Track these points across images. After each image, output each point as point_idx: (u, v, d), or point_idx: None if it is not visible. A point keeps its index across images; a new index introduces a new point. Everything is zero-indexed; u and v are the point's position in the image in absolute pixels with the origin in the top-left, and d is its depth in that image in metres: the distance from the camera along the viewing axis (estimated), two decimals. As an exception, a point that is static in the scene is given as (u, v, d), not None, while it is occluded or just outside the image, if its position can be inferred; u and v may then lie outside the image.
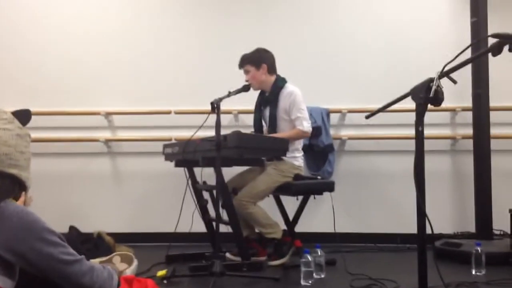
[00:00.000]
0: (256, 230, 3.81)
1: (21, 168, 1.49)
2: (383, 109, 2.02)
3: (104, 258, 3.06)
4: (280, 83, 3.85)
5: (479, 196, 4.11)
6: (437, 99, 1.69)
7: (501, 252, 3.63)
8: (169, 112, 4.62)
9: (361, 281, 3.06)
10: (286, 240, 3.74)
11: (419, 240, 1.87)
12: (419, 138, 1.77)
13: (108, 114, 4.71)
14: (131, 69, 4.78)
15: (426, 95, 1.70)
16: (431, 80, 1.72)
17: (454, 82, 1.71)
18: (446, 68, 1.73)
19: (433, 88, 1.67)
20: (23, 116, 1.56)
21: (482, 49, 1.77)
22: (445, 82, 1.80)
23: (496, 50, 1.58)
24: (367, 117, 2.13)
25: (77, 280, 1.49)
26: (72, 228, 3.91)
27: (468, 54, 1.94)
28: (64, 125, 4.68)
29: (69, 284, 1.50)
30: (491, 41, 1.73)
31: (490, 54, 1.69)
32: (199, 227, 3.85)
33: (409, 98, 1.84)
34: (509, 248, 3.62)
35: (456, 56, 1.72)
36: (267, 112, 3.87)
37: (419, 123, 1.78)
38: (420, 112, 1.76)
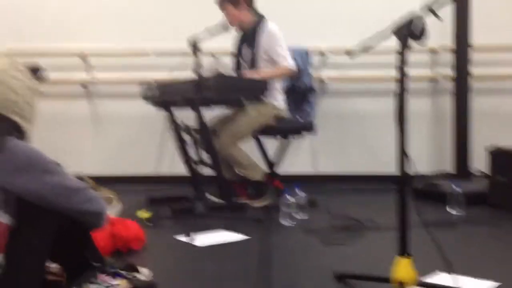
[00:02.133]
0: (237, 172, 3.82)
1: (24, 119, 1.56)
2: (365, 48, 1.98)
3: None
4: (258, 20, 3.75)
5: (457, 136, 4.15)
6: (421, 35, 1.65)
7: (478, 191, 3.70)
8: (147, 54, 4.51)
9: (342, 220, 3.11)
10: (266, 182, 3.76)
11: (399, 181, 1.88)
12: (403, 76, 1.74)
13: (83, 55, 4.59)
14: (109, 8, 4.62)
15: (409, 31, 1.66)
16: (414, 15, 1.68)
17: (439, 18, 1.67)
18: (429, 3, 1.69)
19: (416, 23, 1.63)
20: (35, 71, 1.65)
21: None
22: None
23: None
24: (350, 55, 2.09)
25: (84, 207, 1.55)
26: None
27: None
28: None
29: (78, 211, 1.55)
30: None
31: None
32: (180, 169, 3.84)
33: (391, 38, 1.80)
34: (487, 188, 3.69)
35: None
36: (247, 51, 3.79)
37: (402, 61, 1.74)
38: (402, 49, 1.73)
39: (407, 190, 1.87)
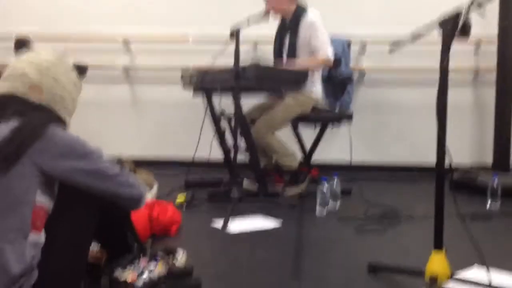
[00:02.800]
0: (273, 160, 3.84)
1: (68, 113, 1.63)
2: (408, 40, 1.97)
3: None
4: (301, 10, 3.74)
5: (499, 129, 4.09)
6: (466, 30, 1.64)
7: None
8: (187, 40, 4.57)
9: (376, 209, 3.11)
10: (302, 170, 3.78)
11: (437, 170, 1.88)
12: (444, 72, 1.73)
13: (125, 40, 4.67)
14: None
15: (454, 27, 1.65)
16: (459, 11, 1.66)
17: (483, 16, 1.65)
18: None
19: (462, 20, 1.62)
20: (81, 69, 1.72)
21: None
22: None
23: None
24: (391, 48, 2.09)
25: (120, 191, 1.59)
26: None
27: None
28: (81, 50, 4.66)
29: (119, 195, 1.60)
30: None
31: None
32: (217, 155, 3.90)
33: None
34: (526, 181, 3.62)
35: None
36: (287, 40, 3.79)
37: (445, 56, 1.74)
38: (446, 45, 1.72)
39: (445, 182, 1.87)
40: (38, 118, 1.47)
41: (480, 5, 1.61)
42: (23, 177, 1.40)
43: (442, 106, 1.81)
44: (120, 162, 3.82)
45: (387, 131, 4.64)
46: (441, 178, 1.84)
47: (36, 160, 1.41)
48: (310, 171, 3.83)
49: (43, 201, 1.45)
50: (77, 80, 1.67)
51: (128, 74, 4.75)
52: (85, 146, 1.52)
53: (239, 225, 2.79)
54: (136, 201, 1.65)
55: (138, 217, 2.28)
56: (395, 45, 2.00)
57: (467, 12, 1.63)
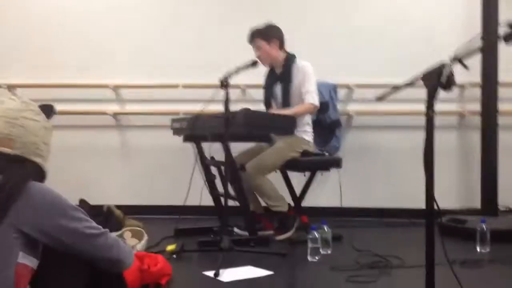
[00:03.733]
0: (263, 204, 3.84)
1: (43, 159, 1.57)
2: (393, 91, 2.02)
3: (115, 233, 3.11)
4: (291, 58, 3.83)
5: (485, 172, 4.13)
6: (449, 84, 1.69)
7: (506, 229, 3.66)
8: (177, 86, 4.63)
9: (367, 258, 3.10)
10: (291, 214, 3.78)
11: (426, 220, 1.89)
12: (430, 123, 1.77)
13: (116, 87, 4.72)
14: (140, 42, 4.77)
15: (438, 80, 1.70)
16: (442, 65, 1.71)
17: (466, 68, 1.70)
18: (458, 52, 1.72)
19: (446, 73, 1.67)
20: (48, 110, 1.65)
21: (494, 37, 1.75)
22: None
23: (509, 37, 1.57)
24: (377, 99, 2.13)
25: (103, 253, 1.55)
26: (82, 201, 3.96)
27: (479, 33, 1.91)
28: (72, 98, 4.69)
29: (97, 258, 1.55)
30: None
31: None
32: (208, 201, 3.89)
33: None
34: (514, 224, 3.65)
35: (468, 42, 1.71)
36: (278, 89, 3.85)
37: (430, 107, 1.78)
38: (431, 96, 1.76)
39: (434, 226, 1.88)
40: (16, 174, 1.44)
41: (461, 61, 1.66)
42: (5, 240, 1.37)
43: (429, 155, 1.84)
44: (109, 210, 3.82)
45: (376, 175, 4.67)
46: (431, 230, 1.85)
47: (16, 222, 1.39)
48: (300, 217, 3.82)
49: (27, 261, 1.42)
50: (46, 123, 1.61)
51: (118, 120, 4.76)
52: (66, 204, 1.48)
53: (231, 275, 2.76)
54: (115, 263, 1.60)
55: (129, 269, 2.25)
56: (380, 98, 2.04)
57: (450, 66, 1.68)
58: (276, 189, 3.76)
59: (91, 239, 1.51)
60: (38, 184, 1.47)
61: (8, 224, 1.38)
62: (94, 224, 1.54)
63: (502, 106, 4.15)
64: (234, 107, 3.37)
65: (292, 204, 3.94)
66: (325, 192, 4.44)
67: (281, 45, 3.83)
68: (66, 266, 1.54)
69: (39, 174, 1.55)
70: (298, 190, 3.99)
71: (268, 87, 3.95)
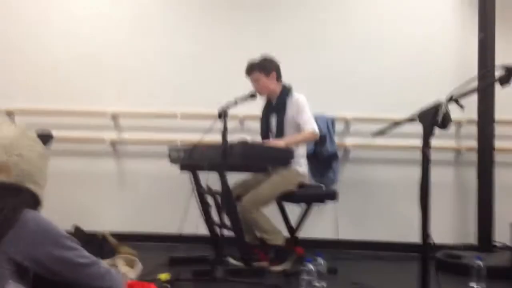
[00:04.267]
0: (258, 236, 3.84)
1: (39, 186, 1.58)
2: (390, 128, 2.05)
3: (108, 261, 3.10)
4: (287, 90, 3.88)
5: (481, 208, 4.14)
6: (445, 124, 1.71)
7: (502, 265, 3.65)
8: (175, 116, 4.66)
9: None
10: (287, 247, 3.77)
11: (422, 256, 1.90)
12: (425, 160, 1.79)
13: (114, 115, 4.74)
14: (139, 71, 4.80)
15: (434, 119, 1.73)
16: (438, 104, 1.74)
17: (462, 107, 1.73)
18: (454, 92, 1.76)
19: (442, 112, 1.70)
20: (45, 138, 1.67)
21: (489, 79, 1.79)
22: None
23: (505, 80, 1.60)
24: (373, 136, 2.16)
25: (95, 282, 1.54)
26: (77, 228, 3.95)
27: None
28: (70, 124, 4.71)
29: (88, 287, 1.54)
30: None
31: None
32: (203, 230, 3.88)
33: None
34: (510, 262, 3.64)
35: (465, 84, 1.75)
36: (273, 120, 3.89)
37: (426, 145, 1.80)
38: (426, 135, 1.79)
39: (429, 262, 1.88)
40: (11, 202, 1.44)
41: (456, 101, 1.69)
42: None
43: (424, 192, 1.86)
44: (103, 237, 3.81)
45: (372, 208, 4.66)
46: (426, 266, 1.85)
47: (8, 251, 1.39)
48: (295, 248, 3.81)
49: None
50: (42, 151, 1.62)
51: (115, 148, 4.77)
52: (59, 233, 1.48)
53: (224, 306, 2.74)
54: None
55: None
56: (377, 134, 2.07)
57: (446, 105, 1.71)
58: (272, 222, 3.76)
59: (83, 268, 1.51)
60: (32, 212, 1.47)
61: (1, 252, 1.38)
62: (86, 253, 1.54)
63: (498, 144, 4.18)
64: (232, 137, 3.39)
65: (288, 235, 3.93)
66: (322, 224, 4.43)
67: (278, 77, 3.89)
68: None
69: (34, 202, 1.55)
70: (294, 222, 3.99)
71: (264, 118, 3.98)
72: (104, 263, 1.63)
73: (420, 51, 4.67)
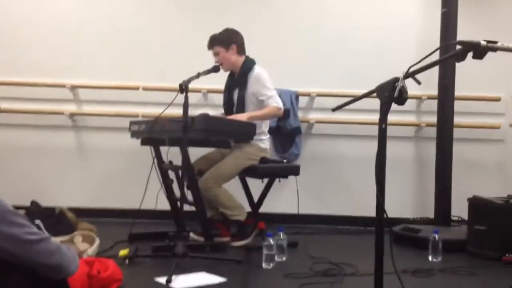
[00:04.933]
0: (220, 211, 3.82)
1: None
2: (349, 103, 2.04)
3: (65, 237, 3.05)
4: (248, 64, 3.82)
5: (439, 183, 4.22)
6: (401, 99, 1.71)
7: (458, 239, 3.75)
8: (137, 88, 4.57)
9: (321, 265, 3.12)
10: (249, 222, 3.77)
11: (376, 229, 1.92)
12: (382, 135, 1.79)
13: (73, 87, 4.62)
14: (100, 42, 4.68)
15: (391, 95, 1.73)
16: (396, 79, 1.74)
17: (419, 83, 1.74)
18: (412, 69, 1.75)
19: (398, 88, 1.69)
20: None
21: (447, 54, 1.79)
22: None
23: (460, 56, 1.60)
24: (333, 110, 2.15)
25: (44, 260, 1.52)
26: (33, 202, 3.86)
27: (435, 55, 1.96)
28: (28, 96, 4.58)
29: (37, 264, 1.52)
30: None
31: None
32: (164, 205, 3.85)
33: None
34: (466, 236, 3.73)
35: (423, 59, 1.75)
36: (235, 94, 3.85)
37: (383, 120, 1.80)
38: (384, 110, 1.79)
39: (386, 234, 1.91)
40: None
41: (413, 77, 1.69)
42: None
43: (380, 167, 1.86)
44: (61, 212, 3.74)
45: (333, 183, 4.71)
46: (380, 239, 1.87)
47: None
48: (257, 223, 3.82)
49: None
50: None
51: (75, 121, 4.66)
52: (6, 209, 1.45)
53: (183, 281, 2.73)
54: (61, 270, 1.58)
55: (77, 275, 2.18)
56: (337, 108, 2.06)
57: (403, 81, 1.71)
58: (234, 198, 3.75)
59: (31, 244, 1.48)
60: None
61: None
62: (35, 229, 1.51)
63: (457, 119, 4.25)
64: (195, 111, 3.34)
65: (250, 211, 3.94)
66: (283, 198, 4.45)
67: (240, 50, 3.83)
68: (6, 275, 1.50)
69: None
70: (256, 196, 3.99)
71: (227, 92, 3.94)
72: (55, 240, 1.59)
73: (383, 28, 4.68)
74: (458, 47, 1.62)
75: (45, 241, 1.52)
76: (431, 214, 4.31)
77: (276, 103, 3.71)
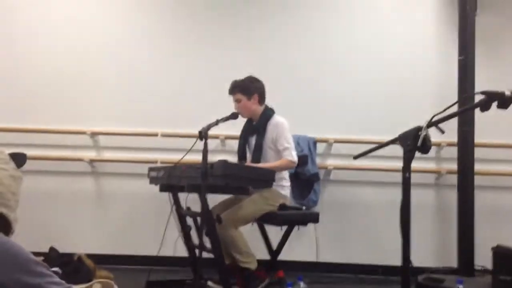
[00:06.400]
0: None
1: (10, 209, 1.51)
2: (370, 151, 2.03)
3: (84, 286, 3.02)
4: (268, 113, 3.85)
5: (462, 232, 4.14)
6: (426, 147, 1.70)
7: (482, 289, 3.65)
8: (155, 135, 4.61)
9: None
10: (259, 274, 3.68)
11: (402, 279, 1.88)
12: (406, 184, 1.77)
13: (93, 134, 4.68)
14: (119, 89, 4.77)
15: (414, 143, 1.72)
16: (419, 128, 1.73)
17: (442, 132, 1.73)
18: (435, 118, 1.75)
19: (422, 136, 1.69)
20: (19, 159, 1.59)
21: (470, 104, 1.79)
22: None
23: (485, 106, 1.60)
24: (355, 158, 2.14)
25: None
26: (52, 249, 3.85)
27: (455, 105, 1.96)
28: (49, 143, 4.64)
29: None
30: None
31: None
32: (182, 251, 3.81)
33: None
34: (490, 286, 3.62)
35: (447, 108, 1.75)
36: (253, 140, 3.86)
37: (407, 169, 1.78)
38: (407, 159, 1.77)
39: (410, 286, 1.86)
40: None
41: (437, 126, 1.68)
42: None
43: (405, 216, 1.84)
44: (79, 259, 3.72)
45: (353, 230, 4.64)
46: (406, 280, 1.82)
47: None
48: (276, 272, 3.75)
49: None
50: (14, 172, 1.55)
51: (94, 167, 4.70)
52: (28, 258, 1.42)
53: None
54: None
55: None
56: (359, 156, 2.05)
57: (426, 130, 1.70)
58: (248, 245, 3.69)
59: None
60: (1, 236, 1.42)
61: None
62: (56, 279, 1.48)
63: (477, 166, 4.21)
64: (213, 158, 3.34)
65: (269, 257, 3.88)
66: (302, 246, 4.39)
67: (261, 100, 3.86)
68: None
69: (4, 225, 1.49)
70: (275, 244, 3.93)
71: (242, 138, 3.95)
72: None
73: (401, 75, 4.70)
74: (482, 96, 1.62)
75: None
76: (453, 263, 4.21)
77: (291, 156, 3.71)
